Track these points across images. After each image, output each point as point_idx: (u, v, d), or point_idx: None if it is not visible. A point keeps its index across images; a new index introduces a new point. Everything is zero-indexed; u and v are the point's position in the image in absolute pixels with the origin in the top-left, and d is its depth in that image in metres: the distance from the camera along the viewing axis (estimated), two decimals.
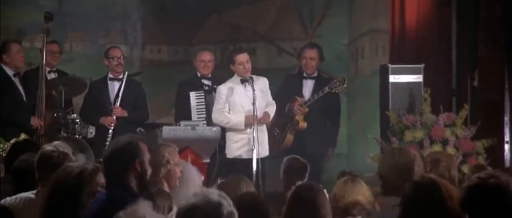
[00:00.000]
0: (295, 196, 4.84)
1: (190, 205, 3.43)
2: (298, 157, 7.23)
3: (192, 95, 9.29)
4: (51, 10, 11.51)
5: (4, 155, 7.19)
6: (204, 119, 9.15)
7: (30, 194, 5.02)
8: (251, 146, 8.46)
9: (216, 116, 8.76)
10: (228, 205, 3.45)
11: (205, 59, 9.36)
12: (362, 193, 5.19)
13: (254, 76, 8.72)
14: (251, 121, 8.54)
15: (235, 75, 8.76)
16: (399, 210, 3.77)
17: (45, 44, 8.64)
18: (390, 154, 4.67)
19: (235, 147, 8.73)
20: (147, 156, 4.63)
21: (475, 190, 3.81)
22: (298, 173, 7.01)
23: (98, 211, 4.39)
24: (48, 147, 5.16)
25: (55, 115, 8.99)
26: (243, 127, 8.64)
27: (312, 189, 4.86)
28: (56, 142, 5.32)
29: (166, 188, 5.62)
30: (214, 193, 3.47)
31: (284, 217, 4.82)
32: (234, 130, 8.74)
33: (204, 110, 9.25)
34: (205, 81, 9.33)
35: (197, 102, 9.29)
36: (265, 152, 8.72)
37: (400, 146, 8.27)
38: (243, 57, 8.70)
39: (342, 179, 5.34)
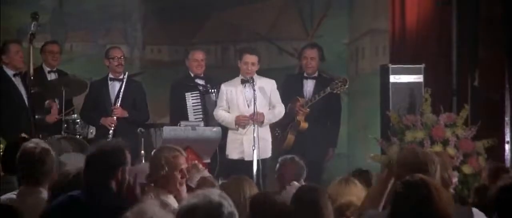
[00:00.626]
0: (296, 198, 4.84)
1: (190, 205, 3.42)
2: (295, 157, 7.15)
3: (188, 96, 9.29)
4: (51, 10, 11.58)
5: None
6: (201, 119, 9.15)
7: (11, 195, 5.03)
8: (247, 146, 8.51)
9: (214, 113, 8.89)
10: (228, 205, 3.44)
11: (198, 59, 9.37)
12: (356, 194, 5.18)
13: (257, 77, 8.74)
14: (241, 121, 8.62)
15: (239, 75, 8.82)
16: (390, 208, 3.77)
17: (30, 45, 8.65)
18: (412, 154, 4.65)
19: (232, 148, 8.77)
20: (129, 166, 4.63)
21: (508, 191, 3.83)
22: (295, 173, 6.96)
23: (68, 205, 4.38)
24: (29, 144, 5.19)
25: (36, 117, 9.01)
26: (234, 126, 8.69)
27: (313, 191, 4.86)
28: (36, 139, 5.36)
29: (164, 193, 5.57)
30: (214, 193, 3.46)
31: None
32: (232, 130, 8.78)
33: (200, 110, 9.25)
34: (199, 81, 9.33)
35: (193, 102, 9.29)
36: (267, 153, 8.73)
37: (401, 145, 8.29)
38: (249, 58, 8.74)
39: (336, 179, 5.33)
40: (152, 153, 6.10)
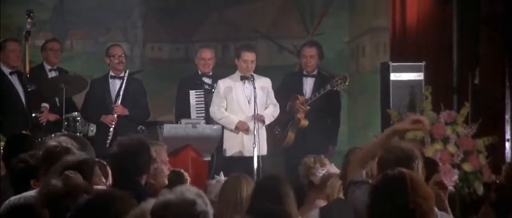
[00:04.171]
0: (259, 186, 5.03)
1: (164, 201, 3.46)
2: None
3: (192, 93, 9.29)
4: (52, 8, 11.57)
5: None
6: (203, 117, 9.15)
7: (32, 193, 5.03)
8: (247, 142, 8.51)
9: (213, 110, 8.85)
10: (202, 203, 3.46)
11: (206, 57, 9.35)
12: None
13: (256, 75, 8.74)
14: (243, 127, 8.60)
15: (237, 72, 8.80)
16: (368, 199, 3.79)
17: (25, 42, 8.66)
18: (393, 150, 4.64)
19: (231, 144, 8.76)
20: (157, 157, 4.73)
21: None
22: None
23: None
24: (52, 142, 5.22)
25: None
26: (233, 128, 8.67)
27: (275, 179, 5.03)
28: (61, 138, 5.40)
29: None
30: (190, 191, 3.49)
31: (250, 206, 4.89)
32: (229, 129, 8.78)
33: (203, 109, 9.25)
34: (206, 80, 9.33)
35: (196, 101, 9.29)
36: (264, 150, 8.72)
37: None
38: (249, 56, 8.74)
39: (336, 176, 5.31)
40: None
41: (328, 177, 5.63)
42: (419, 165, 4.50)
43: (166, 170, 5.80)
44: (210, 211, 3.48)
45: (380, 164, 4.46)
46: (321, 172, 5.83)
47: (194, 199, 3.44)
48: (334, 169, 5.89)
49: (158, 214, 3.44)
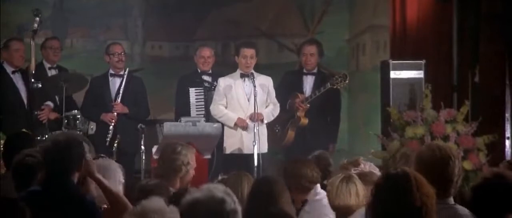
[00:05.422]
0: (253, 189, 5.05)
1: (193, 199, 3.41)
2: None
3: (192, 91, 9.29)
4: (52, 6, 11.56)
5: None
6: (203, 115, 9.14)
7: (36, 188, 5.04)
8: (246, 140, 8.50)
9: (213, 107, 8.84)
10: (231, 202, 3.42)
11: (205, 56, 9.35)
12: (356, 195, 5.16)
13: (256, 73, 8.74)
14: (242, 124, 8.59)
15: (237, 70, 8.79)
16: (370, 198, 3.79)
17: (32, 41, 8.66)
18: (429, 151, 4.65)
19: (231, 142, 8.75)
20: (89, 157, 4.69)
21: (479, 190, 3.85)
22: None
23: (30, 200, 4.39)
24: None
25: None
26: (232, 126, 8.66)
27: (268, 182, 5.07)
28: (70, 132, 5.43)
29: (177, 186, 5.66)
30: (218, 189, 3.45)
31: (244, 211, 4.91)
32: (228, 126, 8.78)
33: (203, 106, 9.24)
34: (205, 77, 9.32)
35: (196, 99, 9.29)
36: (264, 148, 8.72)
37: (401, 141, 8.28)
38: (247, 52, 8.71)
39: (338, 176, 5.32)
40: (165, 147, 6.17)
41: (362, 175, 5.59)
42: (456, 163, 4.50)
43: (192, 174, 5.81)
44: (239, 209, 3.44)
45: (418, 161, 4.48)
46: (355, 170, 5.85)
47: (223, 197, 3.41)
48: (369, 167, 5.88)
49: (187, 213, 3.39)
